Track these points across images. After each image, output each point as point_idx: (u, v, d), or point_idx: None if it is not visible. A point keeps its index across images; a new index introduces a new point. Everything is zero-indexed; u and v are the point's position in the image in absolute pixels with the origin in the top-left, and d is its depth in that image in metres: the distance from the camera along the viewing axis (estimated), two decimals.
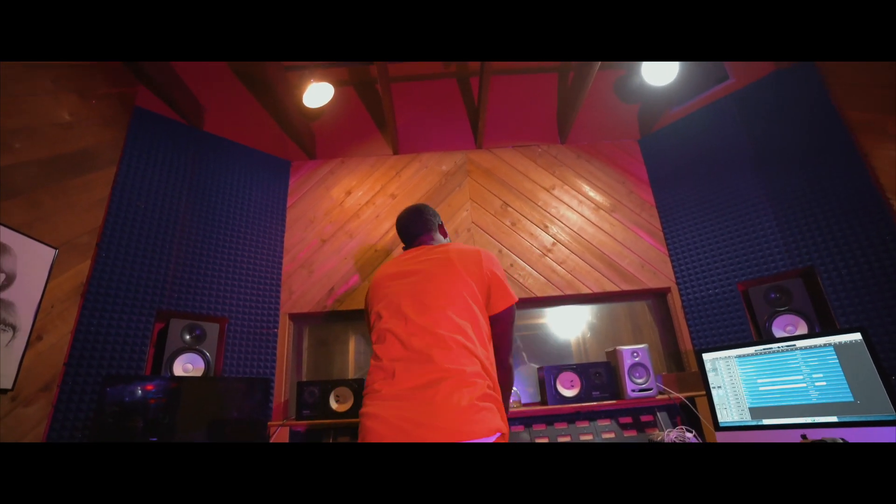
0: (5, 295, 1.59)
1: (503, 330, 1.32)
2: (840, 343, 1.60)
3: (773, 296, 2.17)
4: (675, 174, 2.69)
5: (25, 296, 1.68)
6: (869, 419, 1.48)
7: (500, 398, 1.15)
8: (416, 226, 1.59)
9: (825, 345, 1.62)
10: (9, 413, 1.61)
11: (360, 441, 1.08)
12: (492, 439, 1.02)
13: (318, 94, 2.52)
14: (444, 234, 1.65)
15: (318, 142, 2.97)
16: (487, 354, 1.20)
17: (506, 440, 1.09)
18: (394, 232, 2.72)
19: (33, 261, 1.72)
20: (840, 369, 1.58)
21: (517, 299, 1.33)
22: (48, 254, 1.78)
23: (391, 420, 1.04)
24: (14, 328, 1.62)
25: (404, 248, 1.61)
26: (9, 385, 1.59)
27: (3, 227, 1.60)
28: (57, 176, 1.88)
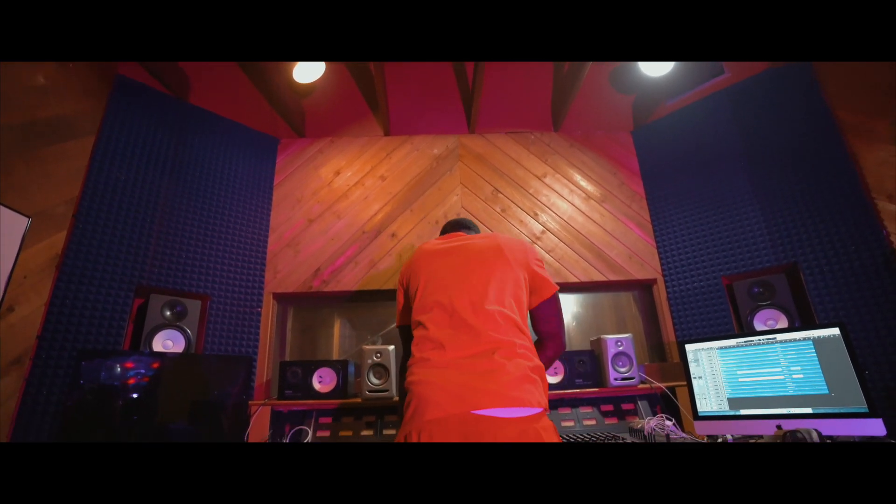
0: None
1: (549, 314, 1.34)
2: (819, 337, 1.63)
3: (756, 290, 2.20)
4: (666, 167, 2.69)
5: None
6: (842, 411, 1.52)
7: (545, 375, 1.18)
8: (455, 228, 1.63)
9: (804, 339, 1.65)
10: None
11: (411, 408, 1.07)
12: (538, 411, 1.06)
13: (309, 69, 2.45)
14: None
15: (307, 120, 2.90)
16: (529, 333, 1.23)
17: (550, 422, 1.10)
18: (383, 214, 2.69)
19: (4, 229, 1.65)
20: (817, 363, 1.61)
21: (556, 287, 1.36)
22: (20, 222, 1.71)
23: (447, 387, 1.05)
24: None
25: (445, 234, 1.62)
26: None
27: None
28: (31, 143, 1.80)
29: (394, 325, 2.60)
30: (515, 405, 1.03)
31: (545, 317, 1.34)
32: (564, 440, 1.80)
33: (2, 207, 1.63)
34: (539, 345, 1.30)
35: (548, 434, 1.05)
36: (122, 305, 2.03)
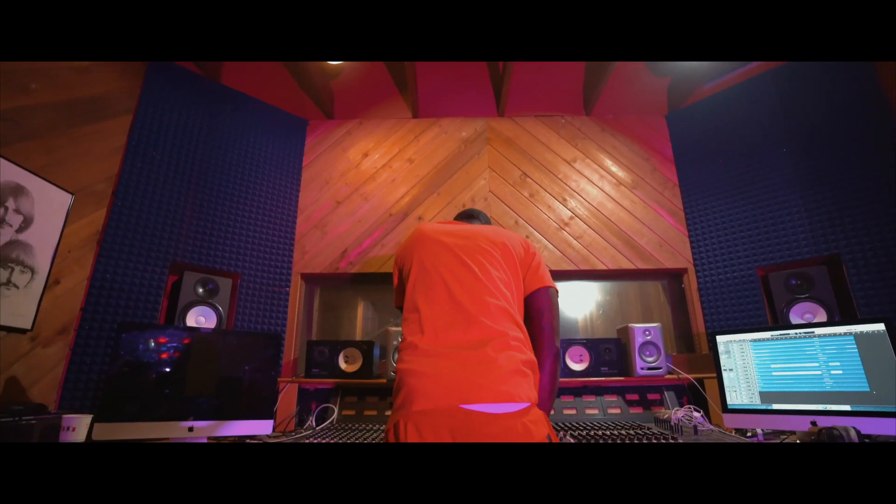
0: (24, 237, 1.60)
1: (538, 308, 1.27)
2: (861, 333, 1.56)
3: (793, 282, 2.12)
4: (701, 153, 2.60)
5: (43, 239, 1.68)
6: (884, 410, 1.46)
7: (537, 368, 1.15)
8: (462, 218, 1.66)
9: (846, 333, 1.59)
10: (29, 352, 1.65)
11: (402, 396, 1.05)
12: (526, 406, 1.03)
13: None
14: None
15: (336, 101, 2.90)
16: (524, 327, 1.20)
17: (539, 413, 1.07)
18: (409, 197, 2.69)
19: (50, 205, 1.72)
20: (859, 359, 1.55)
21: (555, 286, 1.32)
22: (65, 199, 1.78)
23: (437, 378, 1.04)
24: (32, 270, 1.63)
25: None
26: (28, 325, 1.62)
27: (21, 169, 1.59)
28: (73, 121, 1.86)
29: None
30: (503, 400, 1.00)
31: (538, 308, 1.27)
32: (589, 427, 1.79)
33: (48, 185, 1.70)
34: (536, 354, 1.20)
35: (536, 427, 1.01)
36: (157, 281, 2.10)
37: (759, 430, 1.70)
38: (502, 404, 1.00)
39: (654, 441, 1.54)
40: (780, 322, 2.11)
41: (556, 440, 1.09)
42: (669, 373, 2.09)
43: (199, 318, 2.16)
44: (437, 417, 0.99)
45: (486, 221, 1.69)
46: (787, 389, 1.66)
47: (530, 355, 1.13)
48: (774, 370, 1.70)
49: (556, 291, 1.33)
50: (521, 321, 1.19)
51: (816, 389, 1.60)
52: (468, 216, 1.66)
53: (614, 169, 2.73)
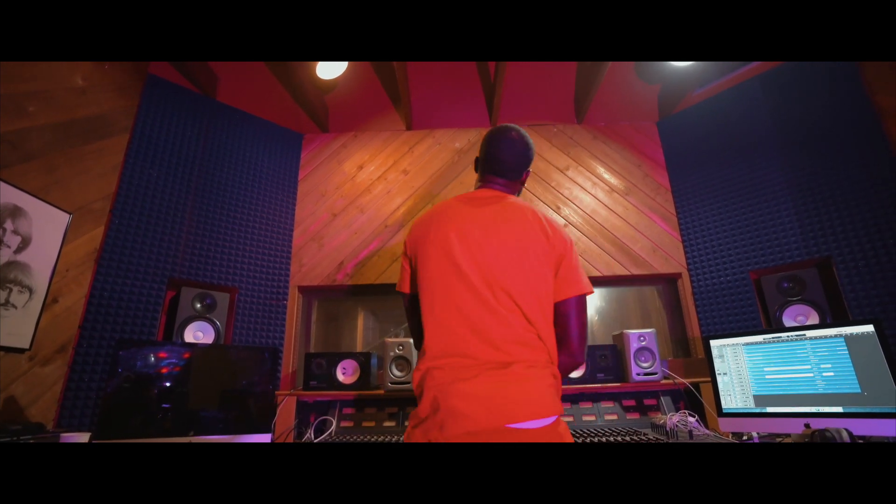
0: (21, 257, 1.62)
1: (566, 315, 1.13)
2: (851, 334, 1.58)
3: (785, 285, 2.14)
4: (692, 158, 2.63)
5: (41, 259, 1.71)
6: (875, 411, 1.48)
7: (560, 384, 1.10)
8: (511, 160, 1.29)
9: (836, 335, 1.61)
10: (27, 372, 1.66)
11: (438, 418, 0.99)
12: (556, 418, 1.01)
13: (332, 65, 2.48)
14: (523, 185, 1.40)
15: (330, 115, 2.94)
16: (552, 340, 1.11)
17: (565, 424, 1.05)
18: (405, 208, 2.71)
19: (48, 225, 1.74)
20: (849, 360, 1.56)
21: (591, 290, 1.16)
22: (62, 218, 1.80)
23: (479, 397, 0.99)
24: (30, 290, 1.65)
25: (480, 180, 1.34)
26: (26, 345, 1.63)
27: (18, 191, 1.62)
28: (71, 141, 1.89)
29: None
30: (544, 415, 0.98)
31: (558, 322, 1.14)
32: (586, 434, 1.80)
33: (46, 205, 1.72)
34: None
35: (567, 437, 1.03)
36: (155, 297, 2.12)
37: (754, 434, 1.71)
38: (542, 420, 0.98)
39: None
40: (774, 325, 2.12)
41: None
42: (665, 378, 2.10)
43: (198, 333, 2.17)
44: (483, 438, 0.94)
45: (525, 163, 1.31)
46: (780, 392, 1.67)
47: (556, 370, 1.08)
48: (768, 373, 1.71)
49: (587, 294, 1.16)
50: (548, 337, 1.09)
51: (809, 392, 1.61)
52: (499, 165, 1.29)
53: (607, 176, 2.76)
